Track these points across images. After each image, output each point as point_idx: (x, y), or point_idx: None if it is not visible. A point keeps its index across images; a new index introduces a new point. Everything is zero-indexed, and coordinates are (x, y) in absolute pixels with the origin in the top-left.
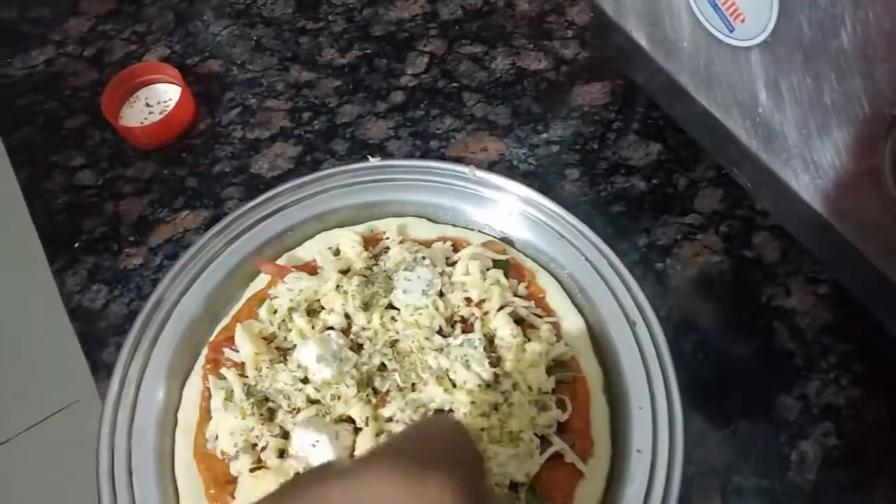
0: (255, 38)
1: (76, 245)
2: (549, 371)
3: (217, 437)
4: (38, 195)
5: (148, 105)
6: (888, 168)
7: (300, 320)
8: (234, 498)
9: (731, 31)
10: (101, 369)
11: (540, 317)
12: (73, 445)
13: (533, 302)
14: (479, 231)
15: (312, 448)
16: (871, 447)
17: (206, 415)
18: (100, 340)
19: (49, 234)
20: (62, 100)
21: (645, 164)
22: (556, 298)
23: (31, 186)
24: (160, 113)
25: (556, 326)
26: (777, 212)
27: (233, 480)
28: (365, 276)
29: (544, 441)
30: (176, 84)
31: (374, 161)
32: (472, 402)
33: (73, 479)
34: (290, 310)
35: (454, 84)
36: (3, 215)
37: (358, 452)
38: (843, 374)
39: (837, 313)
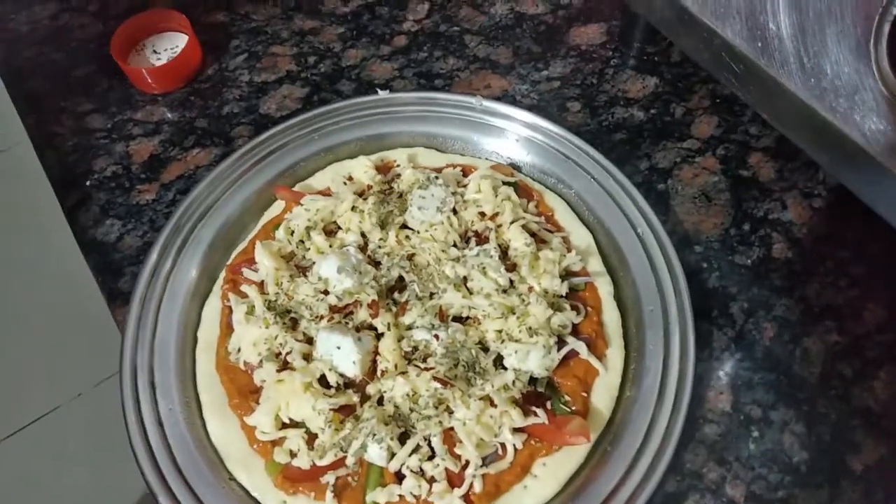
0: None
1: (88, 183)
2: (561, 279)
3: (240, 349)
4: (47, 139)
5: (155, 52)
6: (887, 62)
7: (318, 238)
8: (258, 404)
9: None
10: (116, 298)
11: (550, 231)
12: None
13: (543, 218)
14: (487, 159)
15: (337, 350)
16: (871, 342)
17: (226, 330)
18: (115, 271)
19: (60, 174)
20: (68, 51)
21: (643, 95)
22: (564, 216)
23: (39, 131)
24: (168, 60)
25: (565, 241)
26: (779, 122)
27: (256, 390)
28: (380, 195)
29: (561, 343)
30: (183, 32)
31: (382, 94)
32: (491, 306)
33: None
34: (308, 228)
35: (455, 28)
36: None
37: (381, 356)
38: (841, 277)
39: (833, 224)
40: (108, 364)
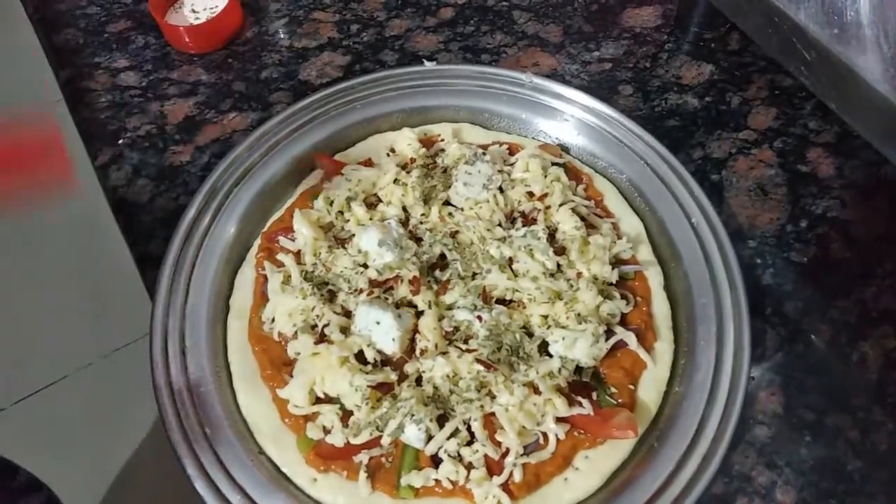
0: None
1: (120, 142)
2: (611, 266)
3: (274, 319)
4: (79, 94)
5: (194, 11)
6: None
7: (359, 209)
8: (291, 377)
9: None
10: (146, 261)
11: (600, 216)
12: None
13: (593, 202)
14: (534, 138)
15: (376, 326)
16: None
17: (260, 300)
18: (146, 233)
19: (92, 131)
20: (104, 5)
21: (698, 82)
22: (614, 201)
23: (72, 86)
24: (207, 19)
25: (615, 227)
26: (847, 112)
27: (289, 362)
28: (424, 169)
29: (609, 332)
30: None
31: (428, 65)
32: (537, 290)
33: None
34: (349, 199)
35: (504, 2)
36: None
37: (421, 334)
38: None
39: (894, 224)
40: (121, 333)
